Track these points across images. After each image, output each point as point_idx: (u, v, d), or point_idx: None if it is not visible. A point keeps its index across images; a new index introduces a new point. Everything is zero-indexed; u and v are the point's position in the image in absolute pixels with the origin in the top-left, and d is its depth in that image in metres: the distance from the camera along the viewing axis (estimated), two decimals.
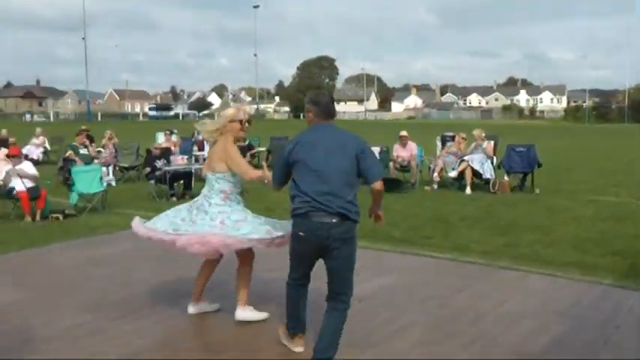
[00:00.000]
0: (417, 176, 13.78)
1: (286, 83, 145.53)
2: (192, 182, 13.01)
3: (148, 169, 13.54)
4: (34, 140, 21.11)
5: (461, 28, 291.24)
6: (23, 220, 10.49)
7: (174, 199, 12.52)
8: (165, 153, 13.79)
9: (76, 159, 15.18)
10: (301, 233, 4.20)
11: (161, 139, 16.72)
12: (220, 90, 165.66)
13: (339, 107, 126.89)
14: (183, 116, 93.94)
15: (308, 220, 4.15)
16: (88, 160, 15.26)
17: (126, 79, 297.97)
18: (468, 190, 12.58)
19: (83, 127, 21.45)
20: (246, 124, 5.22)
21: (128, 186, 15.00)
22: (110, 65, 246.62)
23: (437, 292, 6.09)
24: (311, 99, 4.51)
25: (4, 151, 11.14)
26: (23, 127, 46.46)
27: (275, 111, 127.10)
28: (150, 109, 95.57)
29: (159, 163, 13.06)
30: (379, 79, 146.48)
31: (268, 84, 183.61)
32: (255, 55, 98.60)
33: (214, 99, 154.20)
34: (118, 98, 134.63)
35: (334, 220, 4.11)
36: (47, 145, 21.31)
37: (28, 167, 11.17)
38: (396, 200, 11.79)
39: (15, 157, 11.27)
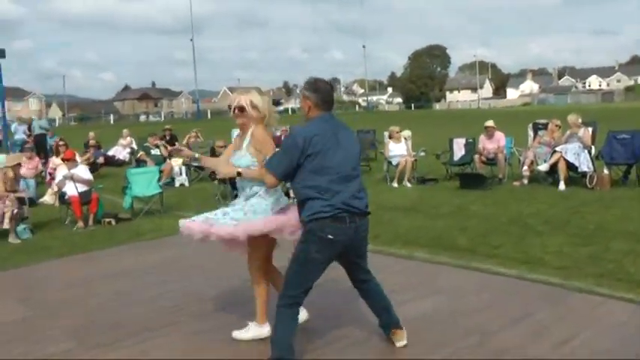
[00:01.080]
0: (505, 170, 12.25)
1: (398, 74, 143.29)
2: None
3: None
4: (121, 141, 21.22)
5: (579, 6, 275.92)
6: (76, 225, 10.14)
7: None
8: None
9: (147, 160, 14.86)
10: (330, 236, 3.78)
11: (235, 135, 16.02)
12: (332, 83, 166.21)
13: (452, 96, 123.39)
14: (293, 110, 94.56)
15: (340, 223, 3.81)
16: (160, 161, 14.90)
17: (240, 77, 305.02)
18: (562, 186, 10.89)
19: (167, 127, 21.40)
20: (234, 111, 4.58)
21: (201, 186, 14.46)
22: (225, 64, 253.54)
23: (485, 322, 4.83)
24: (310, 86, 3.98)
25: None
26: (138, 127, 48.03)
27: (387, 102, 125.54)
28: None
29: None
30: (494, 66, 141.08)
31: (381, 76, 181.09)
32: (363, 46, 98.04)
33: None
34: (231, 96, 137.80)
35: (364, 219, 3.98)
36: (134, 146, 21.31)
37: (81, 171, 10.83)
38: (475, 199, 10.42)
39: (70, 160, 10.92)
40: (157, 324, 5.24)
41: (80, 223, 10.18)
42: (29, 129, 20.79)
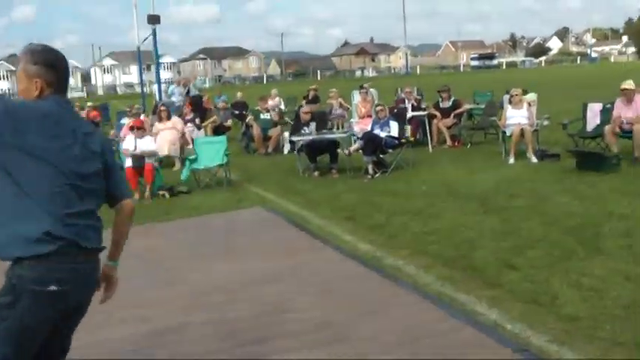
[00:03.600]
0: None
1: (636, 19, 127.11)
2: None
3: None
4: (269, 102, 20.69)
5: None
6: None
7: (316, 174, 10.49)
8: (320, 116, 11.71)
9: (254, 125, 14.05)
10: (53, 287, 2.35)
11: (357, 98, 14.55)
12: (563, 33, 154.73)
13: None
14: (509, 65, 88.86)
15: (60, 263, 2.37)
16: (268, 126, 14.02)
17: (466, 29, 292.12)
18: None
19: (312, 87, 20.46)
20: None
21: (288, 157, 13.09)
22: (453, 17, 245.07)
23: None
24: (41, 57, 2.58)
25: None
26: (351, 82, 47.81)
27: (620, 53, 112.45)
28: (472, 58, 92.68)
29: (306, 130, 11.08)
30: None
31: (620, 23, 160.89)
32: None
33: (555, 43, 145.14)
34: (453, 50, 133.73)
35: (93, 259, 2.55)
36: (282, 107, 20.64)
37: (145, 143, 10.31)
38: (574, 187, 7.92)
39: (138, 129, 10.47)
40: None
41: (135, 195, 9.68)
42: (188, 92, 21.10)
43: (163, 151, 12.64)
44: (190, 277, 5.60)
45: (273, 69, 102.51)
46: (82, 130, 2.58)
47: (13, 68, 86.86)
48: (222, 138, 11.29)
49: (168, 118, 13.34)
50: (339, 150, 10.19)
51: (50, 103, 2.52)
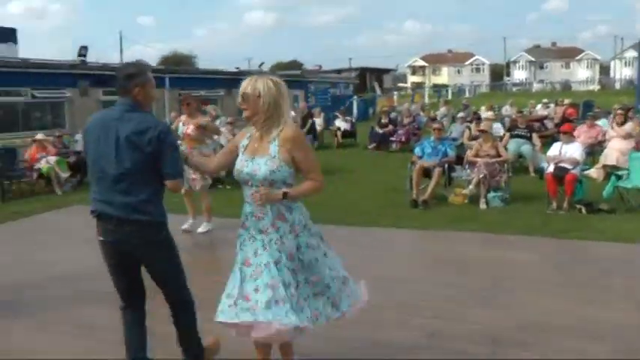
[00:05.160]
0: None
1: None
2: None
3: None
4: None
5: None
6: (549, 206, 9.68)
7: None
8: None
9: None
10: (100, 237, 3.65)
11: None
12: None
13: None
14: None
15: (101, 222, 3.63)
16: None
17: None
18: None
19: None
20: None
21: None
22: None
23: None
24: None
25: None
26: None
27: None
28: None
29: None
30: None
31: None
32: None
33: None
34: None
35: (124, 226, 3.55)
36: None
37: (572, 149, 9.98)
38: None
39: (565, 133, 10.29)
40: None
41: (553, 205, 9.64)
42: None
43: (612, 161, 12.00)
44: (495, 312, 5.34)
45: None
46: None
47: (532, 59, 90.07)
48: None
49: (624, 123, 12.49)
50: None
51: None
